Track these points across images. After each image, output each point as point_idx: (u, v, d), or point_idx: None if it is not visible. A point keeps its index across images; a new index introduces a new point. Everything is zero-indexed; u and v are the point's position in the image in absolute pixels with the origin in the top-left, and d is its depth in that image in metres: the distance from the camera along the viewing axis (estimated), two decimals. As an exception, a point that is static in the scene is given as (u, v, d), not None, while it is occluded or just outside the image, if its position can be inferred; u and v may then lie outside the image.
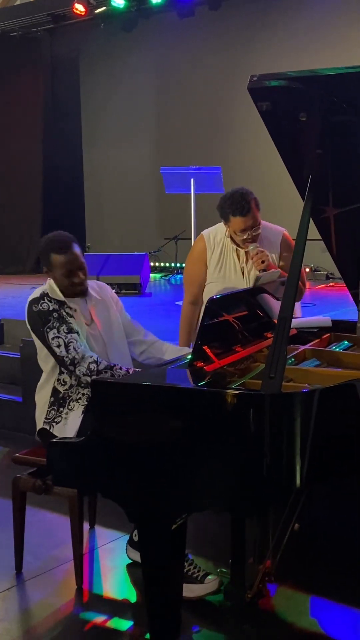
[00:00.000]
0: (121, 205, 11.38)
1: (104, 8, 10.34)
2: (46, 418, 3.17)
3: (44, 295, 3.16)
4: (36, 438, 3.27)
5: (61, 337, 3.05)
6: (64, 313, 3.14)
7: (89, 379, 3.03)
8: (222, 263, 3.67)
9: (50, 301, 3.14)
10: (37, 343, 3.19)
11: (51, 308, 3.12)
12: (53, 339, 3.06)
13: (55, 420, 3.13)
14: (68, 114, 11.85)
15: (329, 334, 3.28)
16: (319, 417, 2.19)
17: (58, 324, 3.08)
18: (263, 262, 3.51)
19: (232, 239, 3.66)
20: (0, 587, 3.12)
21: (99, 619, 2.91)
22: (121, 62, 11.19)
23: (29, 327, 3.19)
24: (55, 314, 3.11)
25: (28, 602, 3.10)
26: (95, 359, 3.05)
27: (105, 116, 11.55)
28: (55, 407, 3.16)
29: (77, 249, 3.25)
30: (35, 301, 3.15)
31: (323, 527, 3.57)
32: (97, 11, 10.43)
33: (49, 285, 3.23)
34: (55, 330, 3.07)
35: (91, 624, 2.89)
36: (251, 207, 3.50)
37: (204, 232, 3.73)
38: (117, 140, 11.43)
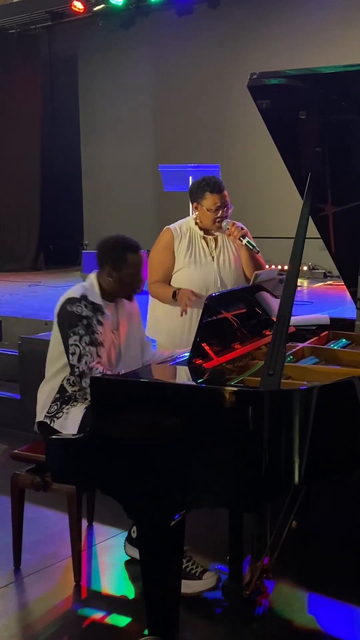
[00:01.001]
0: (119, 203, 11.37)
1: (102, 5, 10.31)
2: (48, 412, 3.17)
3: (83, 297, 3.12)
4: (35, 429, 3.27)
5: (79, 347, 3.04)
6: (95, 321, 3.11)
7: None
8: (191, 249, 3.75)
9: (86, 306, 3.11)
10: (56, 339, 3.18)
11: (84, 314, 3.09)
12: (72, 345, 3.05)
13: (57, 415, 3.13)
14: (66, 112, 11.84)
15: (327, 332, 3.29)
16: (317, 414, 2.20)
17: (83, 332, 3.06)
18: (242, 228, 3.66)
19: (198, 227, 3.74)
20: (-1, 584, 3.13)
21: (98, 615, 2.92)
22: (119, 60, 11.17)
23: (55, 320, 3.18)
24: (85, 321, 3.08)
25: (26, 599, 3.11)
26: (100, 372, 3.03)
27: (103, 114, 11.54)
28: (58, 403, 3.16)
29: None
30: (72, 301, 3.11)
31: (321, 524, 3.58)
32: (95, 9, 10.40)
33: (91, 285, 3.19)
34: (77, 337, 3.05)
35: (89, 620, 2.90)
36: (224, 188, 3.68)
37: (169, 226, 3.85)
38: (115, 138, 11.41)
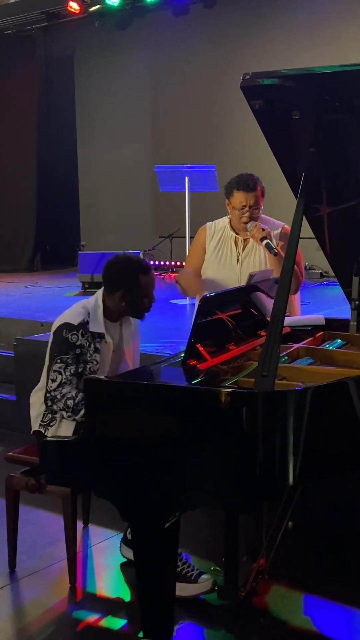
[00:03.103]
0: (116, 203, 11.36)
1: (98, 6, 10.32)
2: (42, 421, 3.16)
3: (82, 325, 3.04)
4: (31, 433, 3.26)
5: (61, 375, 2.99)
6: (92, 350, 3.04)
7: (64, 413, 2.99)
8: (219, 248, 3.71)
9: (84, 335, 3.03)
10: (47, 356, 3.15)
11: (79, 343, 3.02)
12: (55, 371, 3.00)
13: (50, 424, 3.13)
14: (62, 112, 11.83)
15: (322, 332, 3.28)
16: (312, 415, 2.19)
17: (70, 362, 3.00)
18: (263, 229, 3.52)
19: (232, 227, 3.70)
20: (-6, 586, 3.12)
21: (93, 617, 2.91)
22: (116, 60, 11.17)
23: (50, 337, 3.12)
24: (77, 351, 3.01)
25: (21, 601, 3.09)
26: (73, 396, 2.97)
27: (99, 114, 11.53)
28: (51, 412, 3.14)
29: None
30: (70, 327, 3.02)
31: (317, 525, 3.57)
32: (91, 9, 10.40)
33: (94, 307, 3.10)
34: (63, 365, 3.00)
35: (85, 622, 2.89)
36: (256, 187, 3.57)
37: (208, 223, 3.79)
38: (111, 138, 11.41)
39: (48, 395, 3.01)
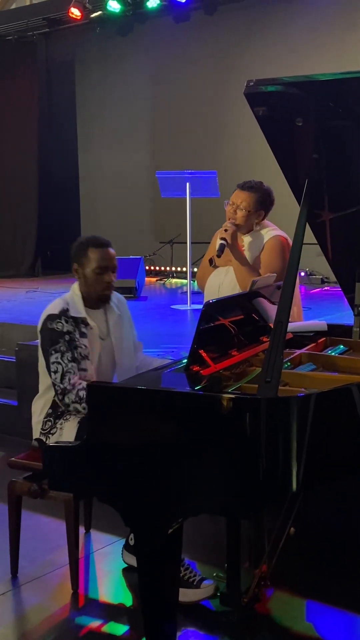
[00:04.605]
0: (116, 209, 11.38)
1: (99, 12, 10.34)
2: (42, 429, 3.16)
3: (63, 312, 3.10)
4: (33, 444, 3.26)
5: (61, 364, 3.02)
6: (78, 335, 3.09)
7: (77, 406, 3.01)
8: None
9: (67, 321, 3.08)
10: (41, 355, 3.17)
11: (65, 329, 3.06)
12: (53, 363, 3.03)
13: (51, 432, 3.13)
14: (63, 118, 11.86)
15: (324, 338, 3.28)
16: (315, 421, 2.19)
17: (64, 349, 3.04)
18: (226, 230, 3.60)
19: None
20: (-4, 592, 3.11)
21: (95, 623, 2.91)
22: (117, 67, 11.20)
23: (39, 337, 3.16)
24: (67, 337, 3.06)
25: (23, 607, 3.09)
26: (83, 386, 2.99)
27: (100, 120, 11.56)
28: (52, 419, 3.15)
29: (113, 251, 3.24)
30: (52, 318, 3.09)
31: (319, 531, 3.57)
32: (92, 15, 10.43)
33: (72, 297, 3.18)
34: (59, 355, 3.03)
35: (87, 628, 2.88)
36: (250, 189, 3.63)
37: None
38: (112, 144, 11.43)
39: (57, 388, 3.02)
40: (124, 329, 3.32)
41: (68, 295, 3.21)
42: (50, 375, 3.05)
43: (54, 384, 3.04)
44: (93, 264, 3.16)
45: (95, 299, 3.22)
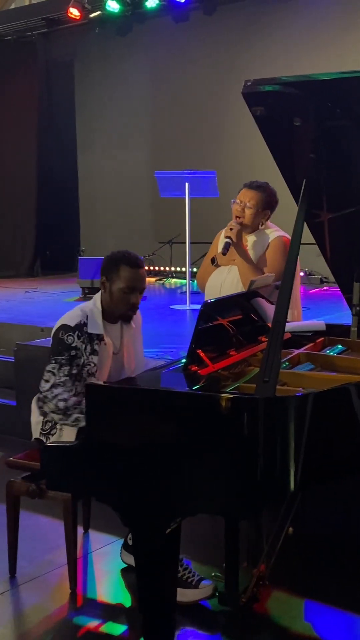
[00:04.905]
0: (116, 209, 11.37)
1: (98, 12, 10.34)
2: (42, 429, 3.15)
3: (79, 326, 3.01)
4: (32, 440, 3.26)
5: (54, 376, 2.96)
6: (88, 352, 3.01)
7: (55, 416, 2.96)
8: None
9: (80, 337, 3.00)
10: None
11: (74, 344, 2.99)
12: (49, 371, 2.98)
13: (51, 432, 3.11)
14: (63, 118, 11.85)
15: (323, 338, 3.29)
16: (313, 421, 2.20)
17: (64, 362, 2.97)
18: (231, 229, 3.65)
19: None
20: (-6, 592, 3.11)
21: (93, 623, 2.91)
22: (116, 67, 11.20)
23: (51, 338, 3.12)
24: (73, 352, 2.98)
25: (22, 607, 3.09)
26: (65, 398, 2.94)
27: (100, 120, 11.56)
28: (42, 415, 3.13)
29: (144, 272, 3.14)
30: (65, 329, 3.01)
31: (318, 531, 3.57)
32: (92, 15, 10.42)
33: (92, 309, 3.08)
34: (56, 366, 2.97)
35: (85, 628, 2.88)
36: (257, 188, 3.66)
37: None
38: (111, 144, 11.43)
39: (40, 395, 2.99)
40: (136, 343, 3.28)
41: (88, 307, 3.10)
42: (40, 381, 3.03)
43: (39, 389, 3.02)
44: (122, 283, 3.05)
45: (117, 317, 3.13)
